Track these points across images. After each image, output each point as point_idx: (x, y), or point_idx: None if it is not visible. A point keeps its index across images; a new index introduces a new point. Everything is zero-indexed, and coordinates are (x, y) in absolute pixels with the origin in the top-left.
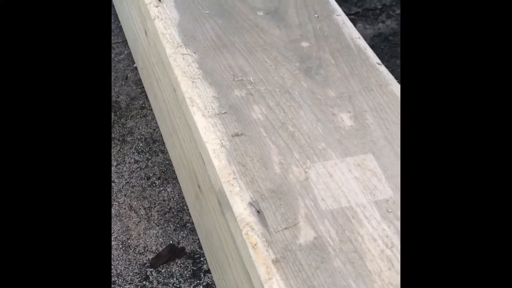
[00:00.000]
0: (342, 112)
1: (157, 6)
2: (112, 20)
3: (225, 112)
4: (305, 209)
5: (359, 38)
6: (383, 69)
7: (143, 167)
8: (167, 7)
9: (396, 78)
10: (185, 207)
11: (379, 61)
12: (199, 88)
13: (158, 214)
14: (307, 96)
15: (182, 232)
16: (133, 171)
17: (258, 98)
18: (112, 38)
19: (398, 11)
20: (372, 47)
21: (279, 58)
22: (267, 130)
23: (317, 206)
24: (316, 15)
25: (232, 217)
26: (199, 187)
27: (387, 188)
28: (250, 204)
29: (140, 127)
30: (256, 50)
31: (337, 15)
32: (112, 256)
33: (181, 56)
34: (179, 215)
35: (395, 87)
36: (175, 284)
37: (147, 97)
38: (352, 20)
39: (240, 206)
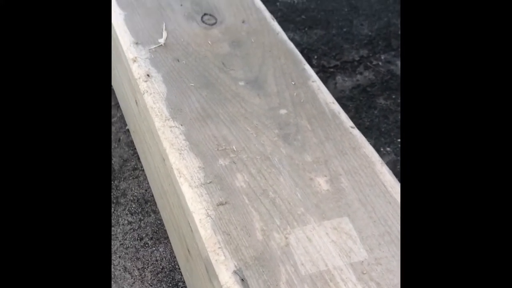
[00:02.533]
0: (318, 177)
1: (146, 81)
2: None
3: (210, 182)
4: (286, 275)
5: (333, 103)
6: (356, 132)
7: (136, 228)
8: (156, 82)
9: (374, 130)
10: (176, 266)
11: (352, 124)
12: (186, 159)
13: (151, 274)
14: (286, 162)
15: None
16: (127, 233)
17: (241, 166)
18: None
19: (375, 62)
20: (351, 98)
21: (259, 126)
22: (249, 197)
23: (297, 271)
24: (293, 82)
25: (218, 285)
26: (189, 251)
27: (362, 250)
28: (235, 272)
29: (133, 188)
30: (238, 119)
31: (312, 81)
32: None
33: (169, 128)
34: (171, 275)
35: (368, 150)
36: None
37: (139, 158)
38: (331, 73)
39: (225, 274)
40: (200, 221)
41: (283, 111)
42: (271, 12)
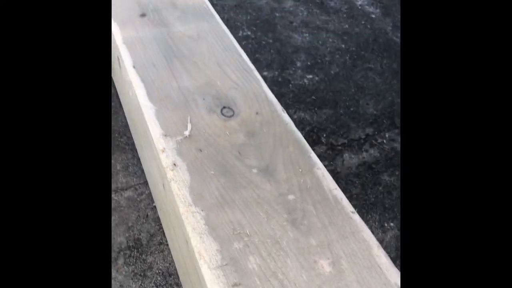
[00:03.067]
0: (322, 259)
1: (172, 170)
2: (135, 163)
3: (226, 264)
4: None
5: (335, 189)
6: (356, 217)
7: None
8: (181, 170)
9: (379, 206)
10: None
11: (352, 209)
12: (205, 242)
13: None
14: (293, 245)
15: None
16: None
17: (253, 249)
18: (135, 179)
19: (379, 140)
20: (357, 175)
21: (270, 211)
22: (260, 279)
23: None
24: (300, 170)
25: None
26: None
27: None
28: None
29: (158, 262)
30: (251, 205)
31: (317, 168)
32: None
33: (191, 214)
34: None
35: (366, 234)
36: None
37: (164, 233)
38: (339, 151)
39: None
40: None
41: (291, 197)
42: (284, 93)
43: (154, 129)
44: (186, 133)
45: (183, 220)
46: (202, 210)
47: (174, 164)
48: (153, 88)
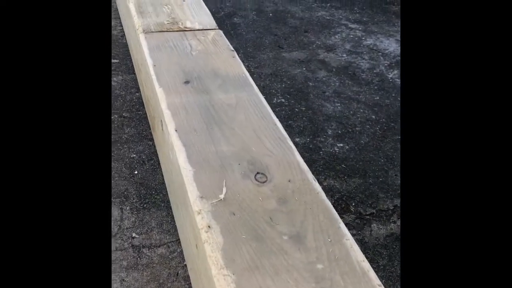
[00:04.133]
0: None
1: (207, 232)
2: (169, 220)
3: None
4: None
5: (363, 261)
6: None
7: None
8: (214, 233)
9: None
10: None
11: (379, 282)
12: None
13: None
14: None
15: None
16: None
17: None
18: (168, 236)
19: None
20: (385, 246)
21: (299, 279)
22: None
23: None
24: (330, 239)
25: None
26: None
27: None
28: None
29: None
30: (281, 271)
31: (346, 239)
32: None
33: (222, 276)
34: None
35: None
36: None
37: None
38: (367, 220)
39: None
40: None
41: (320, 266)
42: (315, 160)
43: (192, 191)
44: (221, 196)
45: (215, 282)
46: (233, 274)
47: (209, 226)
48: (193, 151)
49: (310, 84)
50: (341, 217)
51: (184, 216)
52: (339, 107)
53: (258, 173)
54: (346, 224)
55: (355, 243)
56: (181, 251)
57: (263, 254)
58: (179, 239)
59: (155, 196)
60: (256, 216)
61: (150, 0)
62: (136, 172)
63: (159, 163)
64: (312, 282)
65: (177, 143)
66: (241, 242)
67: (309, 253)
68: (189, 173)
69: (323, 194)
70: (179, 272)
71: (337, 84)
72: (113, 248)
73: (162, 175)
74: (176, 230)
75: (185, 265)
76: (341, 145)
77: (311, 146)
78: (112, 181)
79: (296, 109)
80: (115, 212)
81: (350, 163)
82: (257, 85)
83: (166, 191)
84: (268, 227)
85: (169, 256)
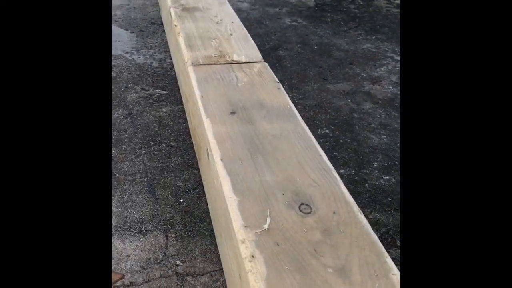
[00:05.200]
0: None
1: (250, 262)
2: (213, 249)
3: None
4: None
5: None
6: None
7: None
8: (258, 263)
9: None
10: None
11: None
12: None
13: None
14: None
15: None
16: None
17: None
18: (211, 265)
19: None
20: None
21: None
22: None
23: None
24: (376, 274)
25: None
26: None
27: None
28: None
29: None
30: None
31: (392, 274)
32: None
33: None
34: None
35: None
36: None
37: None
38: None
39: None
40: None
41: None
42: (360, 192)
43: (236, 220)
44: (265, 226)
45: None
46: None
47: (253, 256)
48: (238, 180)
49: (355, 115)
50: (387, 252)
51: (227, 245)
52: (385, 139)
53: (302, 204)
54: (392, 259)
55: None
56: (224, 281)
57: (307, 286)
58: (222, 268)
59: (200, 224)
60: (300, 247)
61: (199, 34)
62: (181, 200)
63: (204, 192)
64: None
65: (222, 172)
66: (285, 273)
67: (354, 287)
68: (233, 202)
69: (369, 227)
70: None
71: (383, 116)
72: (157, 275)
73: (207, 204)
74: (219, 259)
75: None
76: (387, 177)
77: (356, 178)
78: (159, 209)
79: (341, 141)
80: (160, 239)
81: (396, 196)
82: (301, 116)
83: (210, 220)
84: (313, 259)
85: (212, 285)
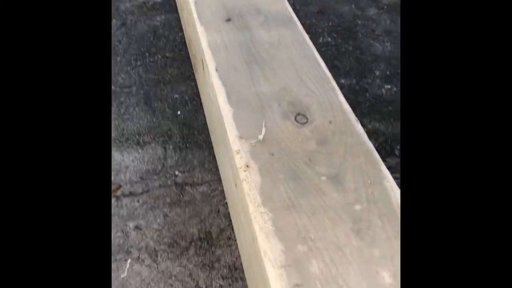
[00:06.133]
0: (384, 271)
1: (245, 171)
2: (211, 160)
3: (289, 265)
4: None
5: None
6: None
7: None
8: (253, 172)
9: None
10: None
11: None
12: (271, 242)
13: None
14: (356, 254)
15: None
16: None
17: (317, 254)
18: (210, 175)
19: None
20: None
21: (336, 219)
22: (321, 283)
23: None
24: (369, 181)
25: None
26: None
27: None
28: None
29: (226, 256)
30: (318, 211)
31: (386, 182)
32: None
33: (259, 214)
34: None
35: None
36: None
37: (233, 229)
38: None
39: None
40: None
41: (358, 207)
42: (360, 102)
43: (231, 131)
44: (260, 137)
45: (252, 219)
46: (270, 212)
47: (247, 166)
48: (233, 91)
49: (359, 22)
50: (385, 161)
51: (224, 155)
52: (388, 47)
53: (298, 114)
54: (389, 168)
55: (396, 186)
56: (222, 190)
57: (301, 194)
58: (220, 178)
59: (197, 136)
60: (295, 157)
61: None
62: (179, 113)
63: (201, 104)
64: (349, 222)
65: (217, 83)
66: (279, 181)
67: (347, 194)
68: (228, 113)
69: (365, 136)
70: (220, 209)
71: (387, 22)
72: (157, 185)
73: (204, 116)
74: (217, 169)
75: (226, 203)
76: (389, 86)
77: (357, 88)
78: (156, 121)
79: (343, 49)
80: (158, 151)
81: (397, 105)
82: (302, 23)
83: (208, 132)
84: (307, 168)
85: (211, 194)
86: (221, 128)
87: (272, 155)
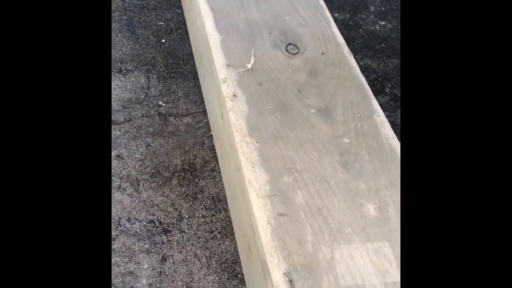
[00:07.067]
0: (369, 203)
1: (232, 100)
2: (196, 91)
3: (274, 195)
4: (328, 283)
5: (392, 138)
6: None
7: (208, 222)
8: (240, 102)
9: None
10: (238, 260)
11: None
12: (256, 172)
13: (217, 264)
14: (342, 186)
15: (233, 281)
16: (200, 225)
17: (302, 185)
18: (194, 107)
19: None
20: None
21: (323, 151)
22: (306, 213)
23: (337, 282)
24: (359, 115)
25: (270, 282)
26: (250, 250)
27: (397, 273)
28: (285, 274)
29: (210, 187)
30: (305, 143)
31: (377, 116)
32: None
33: (245, 144)
34: (232, 266)
35: None
36: None
37: (217, 161)
38: None
39: (277, 274)
40: (262, 227)
41: (346, 140)
42: (353, 38)
43: (218, 59)
44: (249, 66)
45: (237, 149)
46: (256, 142)
47: (234, 95)
48: (221, 17)
49: None
50: (375, 98)
51: (210, 85)
52: None
53: (289, 44)
54: (379, 105)
55: (386, 120)
56: (207, 122)
57: (288, 125)
58: (205, 110)
59: (183, 66)
60: (284, 88)
61: None
62: (163, 41)
63: (187, 33)
64: (336, 154)
65: (204, 8)
66: (267, 112)
67: (336, 127)
68: (216, 39)
69: (357, 69)
70: (205, 141)
71: None
72: (139, 114)
73: (190, 46)
74: (203, 101)
75: (211, 135)
76: (383, 23)
77: (350, 23)
78: (139, 48)
79: None
80: (142, 80)
81: (390, 43)
82: None
83: (194, 62)
84: (296, 100)
85: (195, 126)
86: (207, 56)
87: (261, 85)
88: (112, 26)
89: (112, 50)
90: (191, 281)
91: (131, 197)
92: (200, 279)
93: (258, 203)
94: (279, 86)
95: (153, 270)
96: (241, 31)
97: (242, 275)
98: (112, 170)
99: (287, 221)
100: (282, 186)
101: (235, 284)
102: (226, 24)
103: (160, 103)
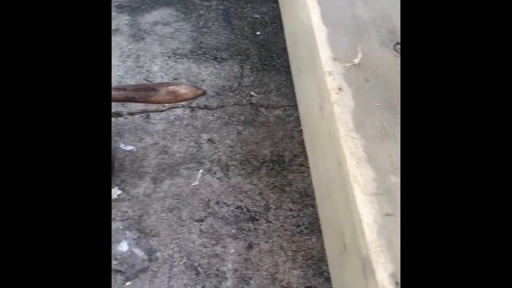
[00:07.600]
0: None
1: (337, 94)
2: (288, 85)
3: (381, 193)
4: None
5: None
6: None
7: (295, 216)
8: (346, 96)
9: None
10: (324, 258)
11: None
12: (362, 168)
13: (302, 258)
14: None
15: (319, 279)
16: (287, 217)
17: None
18: (285, 100)
19: None
20: None
21: None
22: None
23: None
24: None
25: (373, 282)
26: (345, 247)
27: None
28: (391, 275)
29: (298, 181)
30: None
31: None
32: (263, 285)
33: (351, 139)
34: (318, 264)
35: None
36: None
37: (306, 156)
38: None
39: (382, 274)
40: (367, 224)
41: None
42: None
43: (324, 51)
44: (356, 61)
45: (342, 143)
46: (362, 138)
47: (340, 88)
48: (328, 11)
49: None
50: None
51: (309, 78)
52: None
53: (397, 43)
54: None
55: None
56: (297, 116)
57: (396, 123)
58: (296, 105)
59: (276, 59)
60: (392, 86)
61: None
62: (258, 33)
63: (281, 28)
64: None
65: (311, 1)
66: (373, 109)
67: None
68: (322, 33)
69: None
70: (294, 135)
71: None
72: (232, 102)
73: (284, 40)
74: (294, 95)
75: (301, 130)
76: None
77: None
78: (234, 38)
79: None
80: (235, 69)
81: None
82: None
83: (287, 57)
84: None
85: (285, 119)
86: (311, 49)
87: (367, 81)
88: (209, 14)
89: (208, 37)
90: (276, 272)
91: (221, 181)
92: (285, 272)
93: (364, 200)
94: (386, 84)
95: (239, 255)
96: (347, 27)
97: (329, 273)
98: (204, 153)
99: (394, 221)
100: (389, 186)
101: (320, 281)
102: (333, 19)
103: (252, 93)
